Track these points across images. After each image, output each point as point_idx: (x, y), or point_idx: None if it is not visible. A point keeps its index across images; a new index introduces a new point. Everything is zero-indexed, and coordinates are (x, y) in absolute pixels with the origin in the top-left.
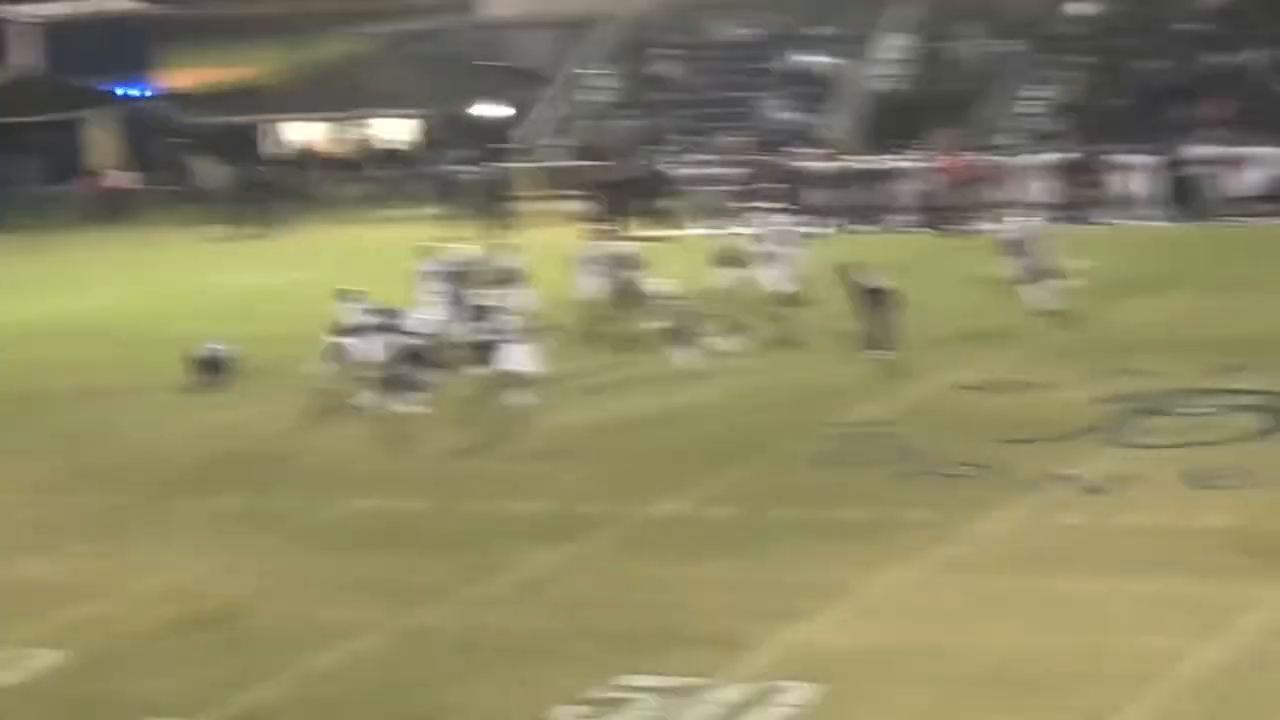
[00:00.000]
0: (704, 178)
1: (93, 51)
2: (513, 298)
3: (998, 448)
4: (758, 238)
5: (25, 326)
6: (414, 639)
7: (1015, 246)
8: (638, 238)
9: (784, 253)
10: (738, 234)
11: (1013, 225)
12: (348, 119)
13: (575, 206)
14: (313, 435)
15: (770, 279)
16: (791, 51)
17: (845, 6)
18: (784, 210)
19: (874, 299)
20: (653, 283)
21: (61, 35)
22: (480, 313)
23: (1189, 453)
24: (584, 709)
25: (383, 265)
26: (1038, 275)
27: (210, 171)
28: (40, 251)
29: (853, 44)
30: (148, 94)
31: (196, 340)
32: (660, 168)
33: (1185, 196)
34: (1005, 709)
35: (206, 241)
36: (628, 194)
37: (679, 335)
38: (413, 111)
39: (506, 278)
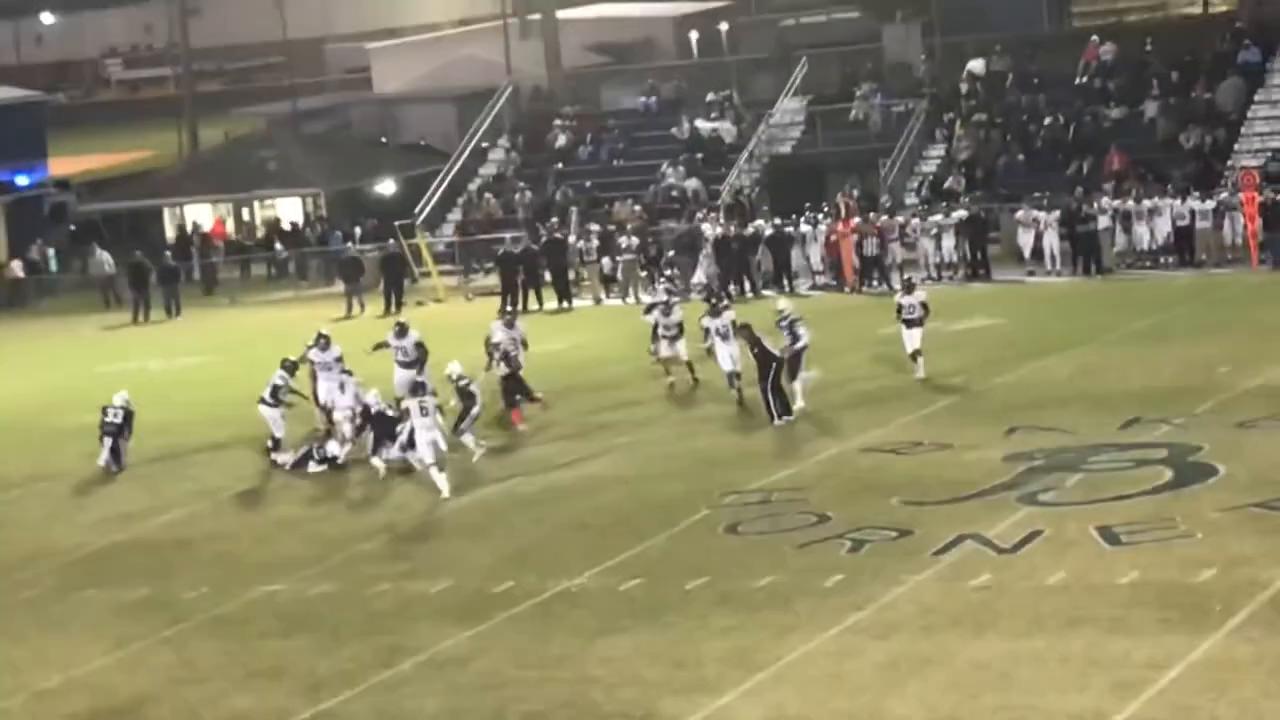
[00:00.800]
0: (603, 247)
1: None
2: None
3: (908, 510)
4: (662, 307)
5: None
6: None
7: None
8: (533, 311)
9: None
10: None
11: (909, 299)
12: (243, 200)
13: (474, 281)
14: (214, 522)
15: (676, 351)
16: (691, 118)
17: (744, 71)
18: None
19: (770, 362)
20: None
21: None
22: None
23: (1101, 508)
24: None
25: (280, 348)
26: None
27: (104, 258)
28: None
29: (753, 108)
30: (41, 181)
31: (89, 430)
32: (560, 238)
33: (1086, 251)
34: None
35: (101, 330)
36: (527, 266)
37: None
38: (309, 190)
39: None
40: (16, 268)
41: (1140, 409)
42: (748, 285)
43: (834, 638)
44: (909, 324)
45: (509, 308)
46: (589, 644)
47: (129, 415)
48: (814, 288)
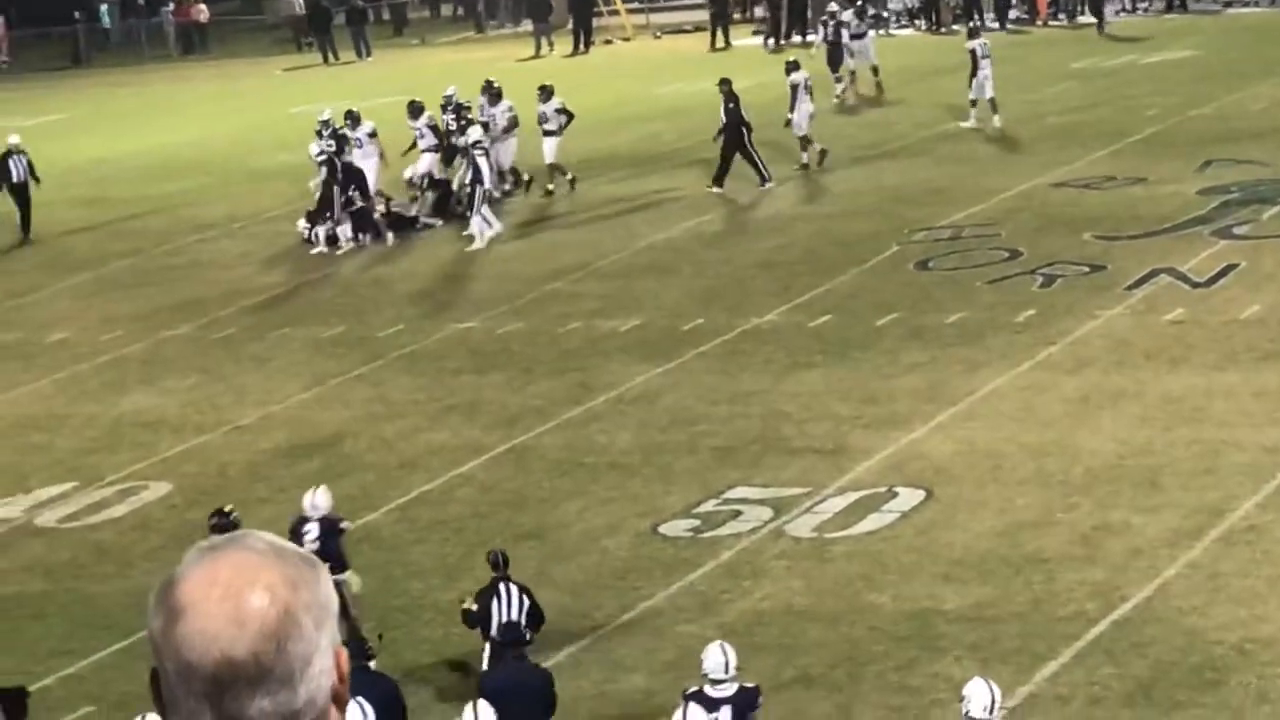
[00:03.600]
0: None
1: None
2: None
3: (1101, 245)
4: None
5: (119, 162)
6: (518, 459)
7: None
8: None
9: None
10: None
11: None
12: None
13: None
14: (407, 261)
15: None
16: None
17: None
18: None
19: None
20: None
21: None
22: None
23: None
24: (693, 522)
25: (470, 89)
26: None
27: None
28: (128, 86)
29: None
30: None
31: (285, 170)
32: None
33: None
34: (1119, 506)
35: (290, 71)
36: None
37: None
38: None
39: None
40: (203, 10)
41: None
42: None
43: (1025, 373)
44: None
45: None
46: (778, 380)
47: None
48: (1009, 21)
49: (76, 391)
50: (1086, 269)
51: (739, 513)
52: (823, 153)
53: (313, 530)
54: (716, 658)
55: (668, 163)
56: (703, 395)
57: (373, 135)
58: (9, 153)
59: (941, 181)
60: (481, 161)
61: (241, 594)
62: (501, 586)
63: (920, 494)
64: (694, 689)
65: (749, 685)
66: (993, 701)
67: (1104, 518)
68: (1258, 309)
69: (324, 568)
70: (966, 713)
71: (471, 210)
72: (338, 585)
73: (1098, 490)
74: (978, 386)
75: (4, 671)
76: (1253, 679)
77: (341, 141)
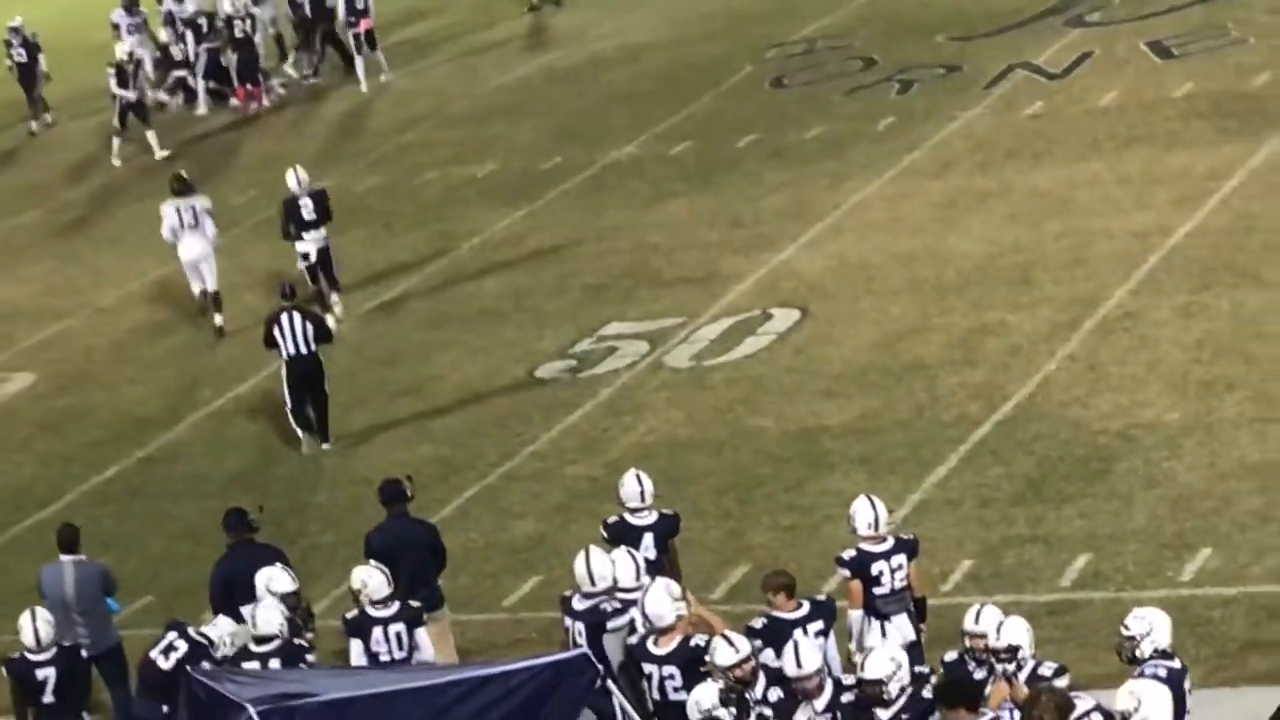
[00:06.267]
0: None
1: None
2: None
3: (955, 46)
4: None
5: None
6: (387, 315)
7: None
8: None
9: None
10: None
11: None
12: None
13: None
14: (255, 128)
15: None
16: None
17: None
18: None
19: None
20: None
21: None
22: None
23: (1151, 22)
24: (570, 363)
25: None
26: None
27: None
28: None
29: None
30: None
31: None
32: None
33: None
34: (994, 306)
35: None
36: None
37: None
38: None
39: None
40: None
41: None
42: None
43: (890, 181)
44: None
45: None
46: (643, 212)
47: None
48: None
49: None
50: (942, 71)
51: (615, 349)
52: None
53: (308, 204)
54: (633, 486)
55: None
56: (568, 234)
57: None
58: None
59: None
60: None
61: None
62: (284, 316)
63: (795, 313)
64: (613, 519)
65: (668, 512)
66: (876, 517)
67: (980, 319)
68: (1115, 95)
69: None
70: (854, 530)
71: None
72: None
73: (971, 292)
74: (843, 200)
75: None
76: (1139, 464)
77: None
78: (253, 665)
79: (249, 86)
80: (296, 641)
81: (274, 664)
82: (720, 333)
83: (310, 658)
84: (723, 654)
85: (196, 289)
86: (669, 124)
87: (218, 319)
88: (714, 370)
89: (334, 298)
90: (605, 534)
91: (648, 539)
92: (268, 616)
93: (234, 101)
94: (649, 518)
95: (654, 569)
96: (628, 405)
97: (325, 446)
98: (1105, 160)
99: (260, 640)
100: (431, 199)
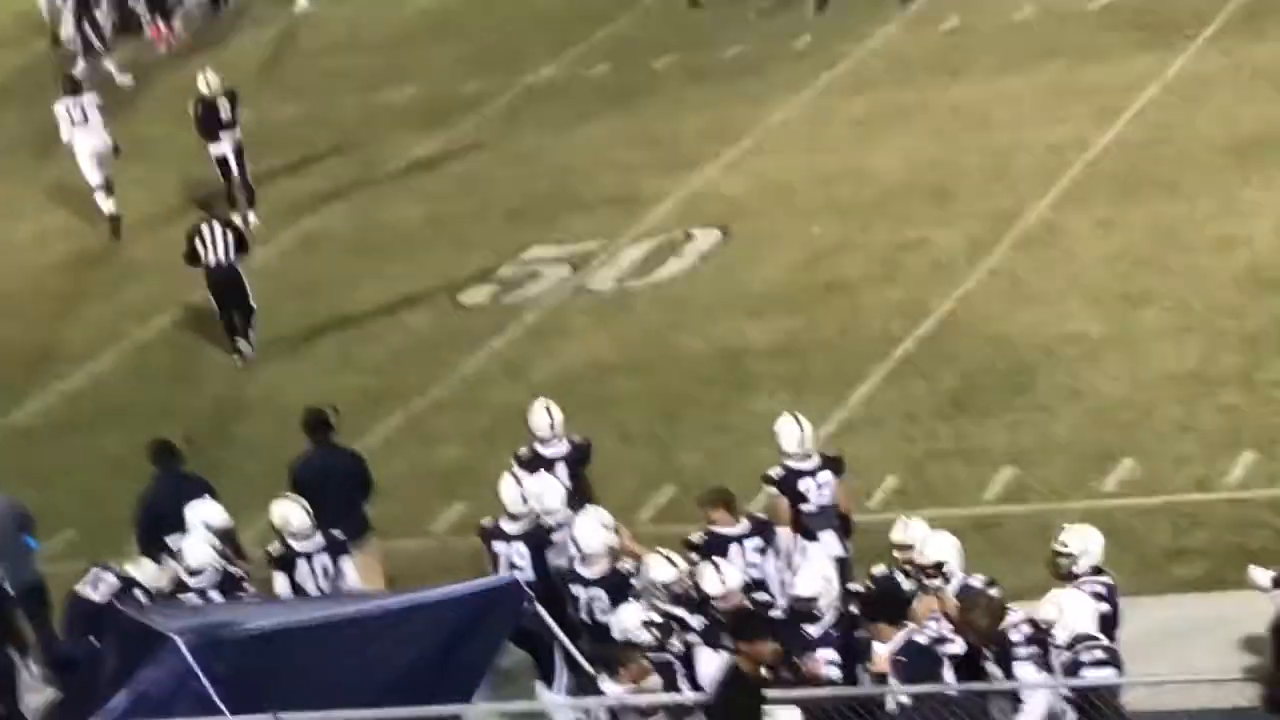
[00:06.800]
0: None
1: None
2: None
3: None
4: None
5: None
6: (308, 245)
7: None
8: None
9: None
10: None
11: None
12: None
13: None
14: (166, 62)
15: None
16: None
17: None
18: None
19: None
20: None
21: None
22: None
23: None
24: (492, 288)
25: None
26: None
27: None
28: None
29: None
30: None
31: None
32: None
33: None
34: (914, 223)
35: None
36: None
37: None
38: None
39: None
40: None
41: None
42: None
43: (809, 100)
44: None
45: None
46: (562, 135)
47: None
48: None
49: None
50: None
51: (537, 273)
52: None
53: (224, 104)
54: (542, 418)
55: None
56: (488, 159)
57: None
58: None
59: None
60: None
61: None
62: (204, 227)
63: (717, 234)
64: (524, 450)
65: (579, 440)
66: (802, 436)
67: (900, 236)
68: (1030, 9)
69: None
70: (780, 449)
71: None
72: None
73: (892, 209)
74: (763, 119)
75: None
76: (1062, 376)
77: None
78: (189, 597)
79: (160, 23)
80: (230, 569)
81: (214, 595)
82: (642, 254)
83: (249, 587)
84: (659, 570)
85: (95, 181)
86: (586, 45)
87: (110, 205)
88: (637, 292)
89: (250, 216)
90: (516, 465)
91: (560, 468)
92: (198, 549)
93: (149, 37)
94: (560, 447)
95: (570, 499)
96: (552, 329)
97: (245, 349)
98: (1022, 74)
99: (193, 573)
100: (350, 126)
